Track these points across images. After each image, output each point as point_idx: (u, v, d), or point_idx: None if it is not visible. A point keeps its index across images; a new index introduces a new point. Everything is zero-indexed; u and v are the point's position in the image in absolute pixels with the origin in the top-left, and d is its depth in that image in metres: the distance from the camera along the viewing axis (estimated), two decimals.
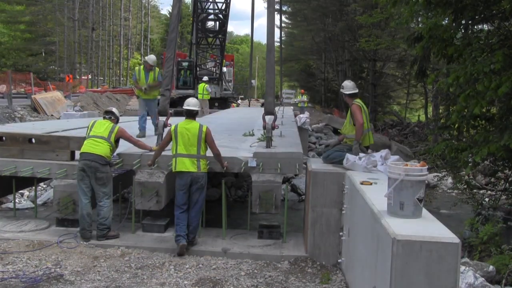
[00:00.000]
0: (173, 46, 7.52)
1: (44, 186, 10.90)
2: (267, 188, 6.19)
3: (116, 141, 6.47)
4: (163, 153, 6.26)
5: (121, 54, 57.32)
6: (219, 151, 6.19)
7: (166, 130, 6.82)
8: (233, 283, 5.13)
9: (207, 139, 6.03)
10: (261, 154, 6.41)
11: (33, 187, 8.04)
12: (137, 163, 6.42)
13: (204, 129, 6.01)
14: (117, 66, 57.50)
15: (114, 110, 6.79)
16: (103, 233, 6.27)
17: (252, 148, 6.98)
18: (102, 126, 6.41)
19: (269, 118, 7.00)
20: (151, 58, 8.85)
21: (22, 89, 28.35)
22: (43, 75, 40.66)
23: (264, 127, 6.88)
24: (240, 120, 13.67)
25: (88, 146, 6.22)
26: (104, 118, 6.64)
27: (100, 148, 6.18)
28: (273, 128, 6.91)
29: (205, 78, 19.86)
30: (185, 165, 5.88)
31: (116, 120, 6.69)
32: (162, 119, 7.13)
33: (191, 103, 6.16)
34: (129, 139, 6.65)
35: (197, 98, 15.25)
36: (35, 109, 20.80)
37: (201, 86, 18.96)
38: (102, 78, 50.02)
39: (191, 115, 6.13)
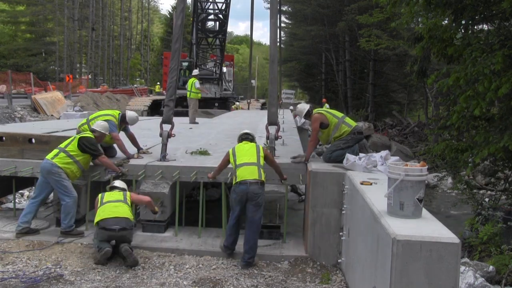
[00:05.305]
0: (177, 56, 7.32)
1: None
2: (271, 199, 6.16)
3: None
4: (167, 163, 6.44)
5: (121, 54, 57.33)
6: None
7: (170, 140, 7.04)
8: (233, 283, 5.12)
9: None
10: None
11: (33, 187, 8.04)
12: (142, 174, 6.46)
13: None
14: (117, 66, 57.49)
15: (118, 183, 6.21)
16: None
17: None
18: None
19: (272, 128, 6.97)
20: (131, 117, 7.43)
21: (22, 89, 28.32)
22: (43, 75, 40.61)
23: (267, 138, 6.85)
24: (240, 125, 13.59)
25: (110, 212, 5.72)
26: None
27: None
28: (276, 138, 6.87)
29: (195, 71, 16.57)
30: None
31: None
32: (166, 129, 7.04)
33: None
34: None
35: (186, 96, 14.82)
36: (35, 109, 20.81)
37: (190, 81, 15.64)
38: (102, 78, 49.98)
39: (247, 139, 6.22)
